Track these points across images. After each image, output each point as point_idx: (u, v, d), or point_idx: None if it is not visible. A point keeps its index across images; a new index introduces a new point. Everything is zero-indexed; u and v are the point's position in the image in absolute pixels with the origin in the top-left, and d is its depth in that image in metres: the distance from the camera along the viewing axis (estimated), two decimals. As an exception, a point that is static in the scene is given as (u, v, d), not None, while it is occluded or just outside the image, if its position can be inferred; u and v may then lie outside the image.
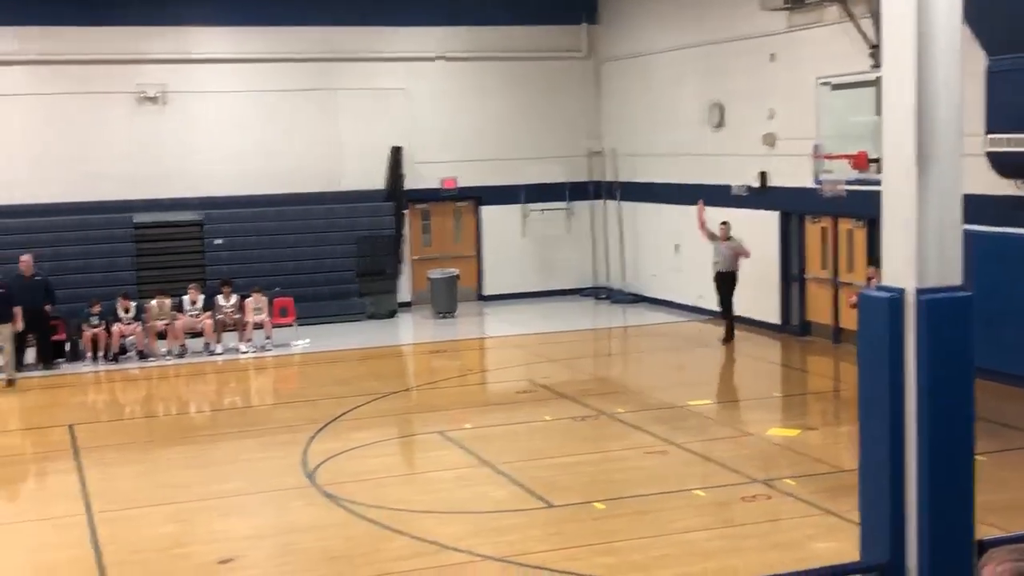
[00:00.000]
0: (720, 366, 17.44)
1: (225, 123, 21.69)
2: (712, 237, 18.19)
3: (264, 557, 9.57)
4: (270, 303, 19.59)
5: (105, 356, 18.22)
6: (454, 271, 22.33)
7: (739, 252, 17.94)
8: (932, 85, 5.81)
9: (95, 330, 18.27)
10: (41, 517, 10.87)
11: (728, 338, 18.03)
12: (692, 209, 19.18)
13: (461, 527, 9.91)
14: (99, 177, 20.80)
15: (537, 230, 23.83)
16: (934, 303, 5.80)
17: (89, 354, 18.26)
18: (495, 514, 10.31)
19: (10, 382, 16.62)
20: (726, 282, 18.07)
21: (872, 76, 12.51)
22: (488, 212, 23.66)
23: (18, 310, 16.92)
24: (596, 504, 10.37)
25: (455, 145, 23.04)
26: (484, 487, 11.18)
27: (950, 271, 5.92)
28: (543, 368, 16.93)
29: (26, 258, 17.61)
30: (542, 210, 23.71)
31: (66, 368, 17.74)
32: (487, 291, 23.72)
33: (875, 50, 14.56)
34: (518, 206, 23.55)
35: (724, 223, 18.12)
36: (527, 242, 23.78)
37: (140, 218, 20.83)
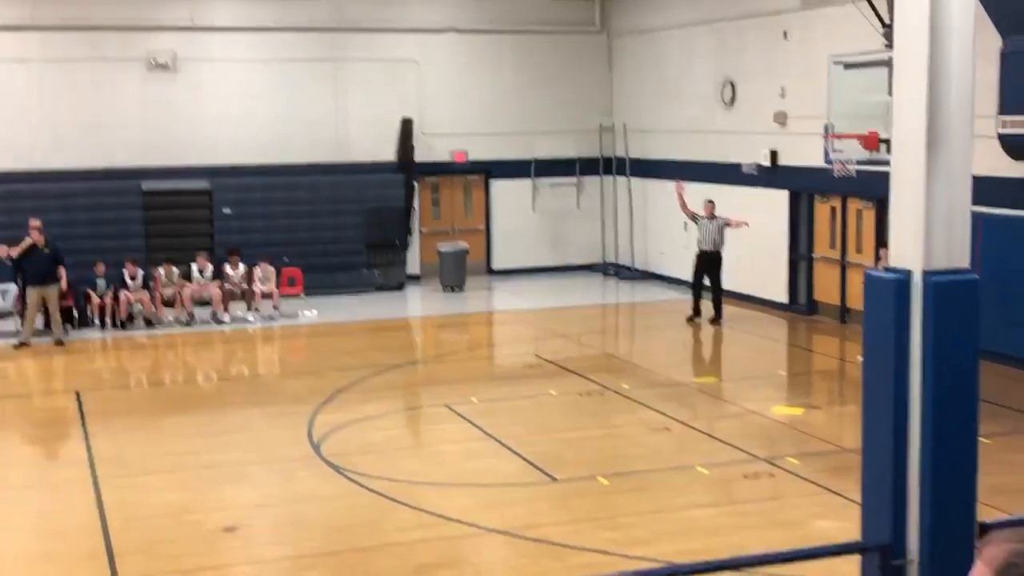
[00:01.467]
0: (726, 344, 17.44)
1: (236, 92, 21.66)
2: (694, 217, 18.10)
3: (269, 526, 9.63)
4: (278, 273, 19.63)
5: (113, 323, 18.29)
6: (463, 245, 22.33)
7: (736, 225, 17.78)
8: (944, 66, 5.78)
9: (103, 297, 18.34)
10: (47, 483, 10.95)
11: (716, 317, 17.92)
12: (704, 187, 19.18)
13: (466, 500, 9.96)
14: (109, 144, 20.80)
15: (547, 205, 23.80)
16: (941, 285, 5.79)
17: (97, 321, 18.33)
18: (500, 487, 10.36)
19: (56, 343, 16.94)
20: (711, 262, 17.95)
21: (885, 56, 12.48)
22: (498, 186, 23.64)
23: (62, 271, 17.28)
24: (600, 479, 10.41)
25: (466, 118, 23.00)
26: (489, 460, 11.23)
27: (958, 253, 5.91)
28: (550, 343, 16.96)
29: (36, 223, 17.60)
30: (552, 185, 23.68)
31: (73, 335, 17.80)
32: (496, 265, 23.73)
33: (888, 30, 14.47)
34: (528, 180, 23.52)
35: (709, 201, 18.04)
36: (536, 217, 23.76)
37: (149, 185, 20.84)
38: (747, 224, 17.80)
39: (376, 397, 13.80)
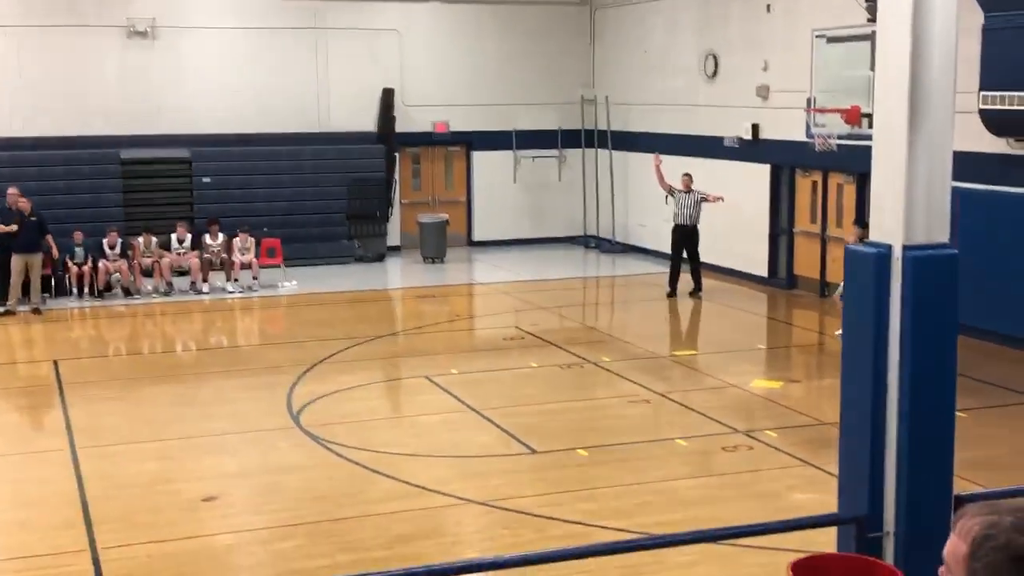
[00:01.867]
0: (706, 317, 17.48)
1: (215, 60, 21.48)
2: (671, 190, 18.08)
3: (247, 496, 9.62)
4: (258, 243, 19.55)
5: (91, 292, 18.19)
6: (444, 216, 22.28)
7: (707, 199, 17.80)
8: (927, 41, 5.77)
9: (81, 266, 18.23)
10: (25, 451, 10.90)
11: (696, 289, 17.97)
12: (686, 160, 19.17)
13: (445, 471, 9.98)
14: (87, 112, 20.62)
15: (528, 177, 23.75)
16: (920, 260, 5.81)
17: (75, 290, 18.23)
18: (479, 459, 10.38)
19: (34, 311, 16.92)
20: (688, 235, 17.95)
21: (868, 30, 12.49)
22: (479, 157, 23.57)
23: (50, 239, 17.37)
24: (579, 451, 10.44)
25: (447, 89, 22.89)
26: (469, 432, 11.24)
27: (938, 228, 5.93)
28: (531, 315, 16.96)
29: (14, 190, 17.47)
30: (533, 157, 23.62)
31: (51, 303, 17.70)
32: (477, 237, 23.69)
33: (871, 4, 14.45)
34: (510, 152, 23.46)
35: (687, 174, 18.02)
36: (518, 188, 23.71)
37: (128, 154, 20.68)
38: (722, 199, 17.79)
39: (355, 368, 13.79)
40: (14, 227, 17.08)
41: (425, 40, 22.80)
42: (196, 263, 18.81)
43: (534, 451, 10.54)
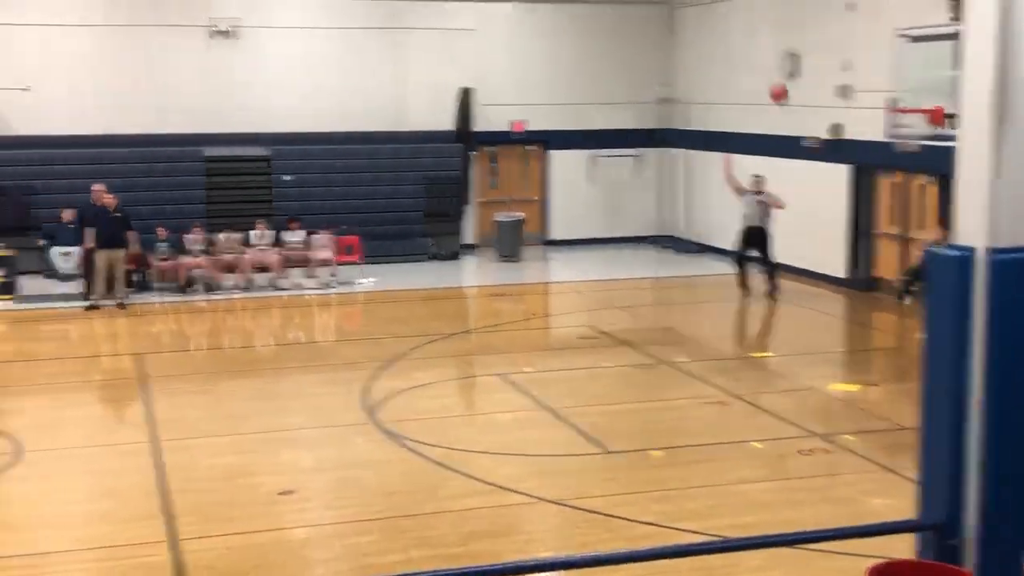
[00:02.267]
0: (782, 319, 17.30)
1: (296, 59, 21.75)
2: (741, 191, 17.93)
3: (323, 490, 9.74)
4: (336, 240, 19.77)
5: (173, 287, 18.53)
6: (520, 215, 22.32)
7: (773, 204, 17.65)
8: (1014, 39, 5.66)
9: (164, 262, 18.58)
10: (107, 443, 11.13)
11: (772, 291, 17.77)
12: (765, 161, 18.99)
13: (518, 469, 10.00)
14: (171, 110, 21.02)
15: (604, 176, 23.71)
16: (1005, 263, 5.69)
17: (157, 285, 18.58)
18: (552, 457, 10.39)
19: (119, 305, 17.29)
20: (757, 237, 17.78)
21: (952, 29, 12.24)
22: (556, 156, 23.57)
23: (135, 235, 17.71)
24: (653, 452, 10.40)
25: (525, 88, 22.92)
26: (542, 430, 11.26)
27: (1023, 230, 5.80)
28: (605, 315, 16.93)
29: (100, 187, 17.84)
30: (610, 156, 23.57)
31: (135, 298, 18.05)
32: (552, 236, 23.69)
33: (955, 2, 14.19)
34: (586, 151, 23.43)
35: (757, 176, 17.85)
36: (594, 188, 23.68)
37: (210, 152, 21.04)
38: (782, 206, 17.64)
39: (431, 365, 13.88)
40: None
41: (503, 40, 22.86)
42: (276, 259, 19.07)
43: (607, 451, 10.52)
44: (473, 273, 21.55)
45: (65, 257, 18.98)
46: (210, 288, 18.69)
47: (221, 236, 19.20)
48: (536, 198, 23.80)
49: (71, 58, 20.71)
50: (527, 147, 23.61)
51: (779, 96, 13.74)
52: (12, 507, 9.41)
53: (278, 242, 19.50)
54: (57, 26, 20.54)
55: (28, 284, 18.47)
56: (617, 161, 23.66)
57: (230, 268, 19.01)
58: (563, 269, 21.46)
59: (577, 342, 15.35)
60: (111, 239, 17.42)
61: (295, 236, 19.53)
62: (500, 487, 9.45)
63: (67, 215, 18.85)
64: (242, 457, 10.41)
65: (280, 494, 9.41)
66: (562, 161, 23.54)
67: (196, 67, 21.29)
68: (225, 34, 21.33)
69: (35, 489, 9.73)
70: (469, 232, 22.85)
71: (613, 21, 23.34)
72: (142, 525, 8.76)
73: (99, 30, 20.78)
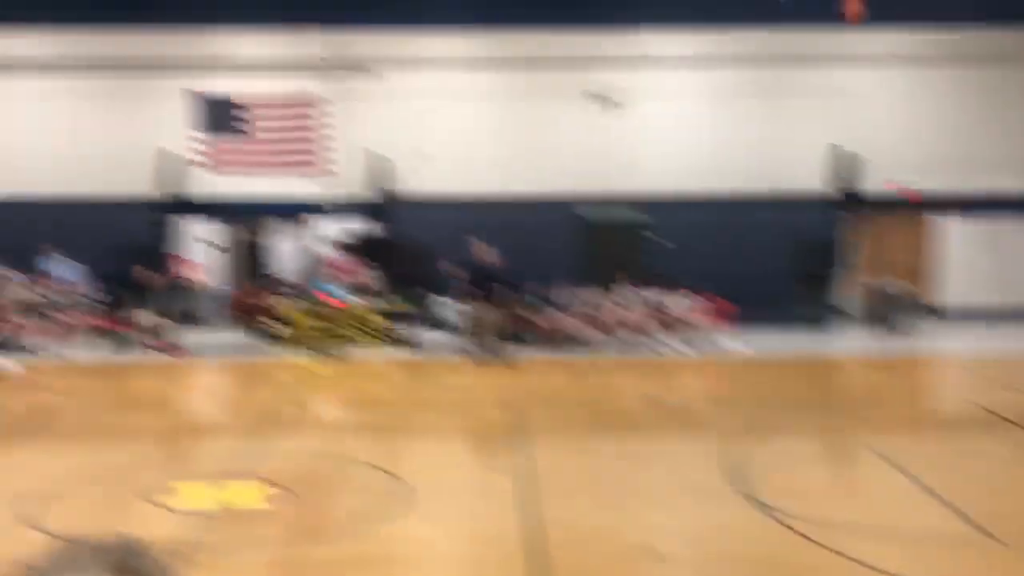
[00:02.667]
0: None
1: (673, 122, 22.14)
2: None
3: (694, 555, 9.68)
4: (706, 302, 19.78)
5: (552, 344, 19.18)
6: (902, 282, 21.43)
7: None
8: None
9: (542, 319, 19.30)
10: (483, 490, 11.60)
11: None
12: None
13: (893, 550, 9.51)
14: (551, 172, 21.96)
15: (996, 243, 22.32)
16: None
17: (536, 341, 19.30)
18: (930, 541, 9.81)
19: (500, 360, 18.12)
20: None
21: None
22: (944, 223, 22.46)
23: (514, 292, 18.69)
24: (1048, 546, 9.59)
25: (908, 152, 22.09)
26: (920, 512, 10.67)
27: None
28: (997, 394, 15.85)
29: (483, 245, 18.83)
30: (1003, 222, 22.17)
31: (516, 353, 18.80)
32: (939, 305, 22.54)
33: None
34: (977, 218, 22.17)
35: None
36: (985, 256, 22.33)
37: (587, 213, 21.71)
38: None
39: (800, 435, 13.52)
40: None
41: (887, 102, 22.22)
42: (647, 320, 19.32)
43: (994, 538, 9.80)
44: (848, 341, 20.84)
45: (453, 312, 20.16)
46: (583, 346, 19.18)
47: (595, 295, 19.72)
48: (920, 265, 22.74)
49: (464, 126, 22.14)
50: (912, 212, 22.66)
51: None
52: (408, 545, 10.02)
53: (650, 302, 19.77)
54: (451, 99, 22.06)
55: (422, 336, 19.78)
56: (1012, 227, 22.20)
57: (603, 327, 19.46)
58: (949, 341, 20.31)
59: (962, 421, 14.46)
60: (492, 296, 18.32)
61: (666, 297, 19.74)
62: (873, 568, 9.03)
63: (454, 271, 20.03)
64: (611, 515, 10.55)
65: (652, 557, 9.45)
66: (951, 227, 22.40)
67: (575, 131, 22.14)
68: (605, 100, 22.03)
69: (426, 531, 10.31)
70: (846, 299, 22.16)
71: (1003, 81, 22.05)
72: (515, 574, 9.05)
73: (487, 99, 22.11)
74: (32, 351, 18.94)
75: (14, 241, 20.53)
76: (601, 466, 12.41)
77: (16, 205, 21.77)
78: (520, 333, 19.40)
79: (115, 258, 20.56)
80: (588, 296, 19.80)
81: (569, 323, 19.33)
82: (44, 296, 19.75)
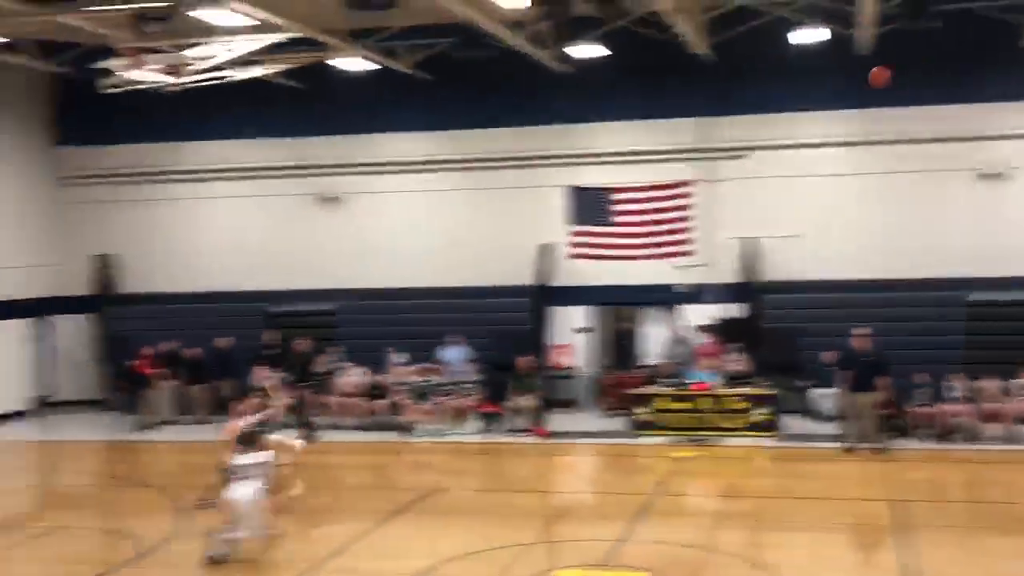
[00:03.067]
0: None
1: None
2: None
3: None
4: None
5: (933, 434, 18.17)
6: None
7: None
8: None
9: (922, 408, 18.33)
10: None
11: None
12: None
13: None
14: (933, 254, 20.99)
15: None
16: None
17: (915, 431, 18.34)
18: None
19: (875, 450, 17.45)
20: None
21: None
22: None
23: (887, 380, 17.75)
24: None
25: None
26: None
27: None
28: None
29: (861, 330, 18.15)
30: None
31: (891, 443, 17.94)
32: None
33: None
34: None
35: None
36: None
37: (973, 296, 20.48)
38: None
39: None
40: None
41: None
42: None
43: None
44: None
45: (824, 399, 19.57)
46: (971, 437, 18.02)
47: (983, 383, 18.50)
48: None
49: (836, 205, 21.67)
50: None
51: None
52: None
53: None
54: (826, 176, 21.71)
55: (790, 423, 19.31)
56: None
57: (993, 417, 18.20)
58: None
59: None
60: (863, 383, 17.63)
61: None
62: None
63: (827, 357, 19.40)
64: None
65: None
66: None
67: (961, 211, 21.11)
68: (997, 176, 20.99)
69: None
70: None
71: None
72: None
73: (860, 178, 21.55)
74: (409, 430, 20.18)
75: (400, 329, 22.21)
76: (987, 565, 11.55)
77: (407, 293, 23.40)
78: (898, 422, 18.49)
79: (496, 344, 21.60)
80: (974, 384, 18.58)
81: (953, 412, 18.20)
82: (429, 380, 21.03)
